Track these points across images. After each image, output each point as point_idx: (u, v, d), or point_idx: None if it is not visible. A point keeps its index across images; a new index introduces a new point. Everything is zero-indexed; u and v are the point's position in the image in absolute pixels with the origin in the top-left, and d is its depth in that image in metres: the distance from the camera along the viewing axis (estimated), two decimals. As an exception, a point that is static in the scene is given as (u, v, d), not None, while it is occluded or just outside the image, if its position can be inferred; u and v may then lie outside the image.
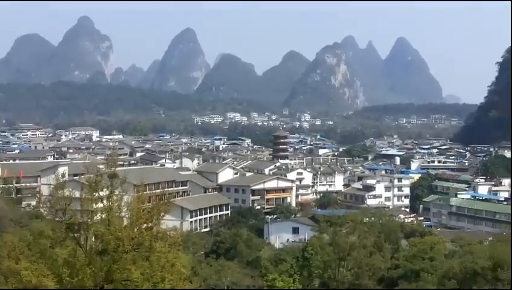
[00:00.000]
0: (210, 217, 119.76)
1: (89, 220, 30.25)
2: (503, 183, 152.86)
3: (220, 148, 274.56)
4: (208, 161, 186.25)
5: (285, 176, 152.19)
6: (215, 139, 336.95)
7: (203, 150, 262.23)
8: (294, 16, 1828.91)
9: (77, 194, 31.38)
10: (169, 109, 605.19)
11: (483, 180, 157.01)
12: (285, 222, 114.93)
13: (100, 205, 30.22)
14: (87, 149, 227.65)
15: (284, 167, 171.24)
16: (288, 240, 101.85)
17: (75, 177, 75.49)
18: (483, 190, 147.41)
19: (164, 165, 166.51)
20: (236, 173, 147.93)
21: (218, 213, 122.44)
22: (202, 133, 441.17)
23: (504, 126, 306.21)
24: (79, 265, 27.96)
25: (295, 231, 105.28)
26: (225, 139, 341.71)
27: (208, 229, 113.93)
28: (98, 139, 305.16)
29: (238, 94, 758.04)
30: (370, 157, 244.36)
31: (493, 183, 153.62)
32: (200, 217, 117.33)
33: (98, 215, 30.47)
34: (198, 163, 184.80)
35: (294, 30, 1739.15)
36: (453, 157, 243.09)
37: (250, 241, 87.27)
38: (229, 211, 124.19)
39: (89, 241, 29.95)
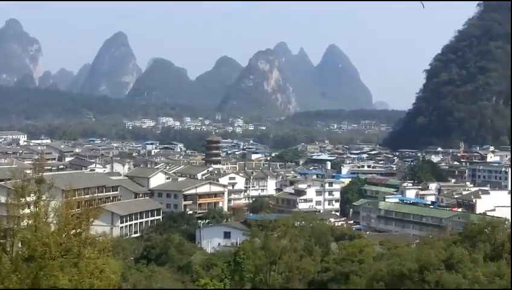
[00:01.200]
0: (141, 223, 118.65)
1: (16, 226, 29.65)
2: (429, 188, 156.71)
3: (152, 153, 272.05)
4: (139, 166, 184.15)
5: (218, 180, 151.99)
6: (147, 144, 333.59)
7: (134, 154, 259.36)
8: (228, 20, 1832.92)
9: (3, 199, 30.75)
10: (100, 113, 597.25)
11: (410, 184, 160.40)
12: (217, 226, 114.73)
13: (27, 210, 29.66)
14: (14, 154, 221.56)
15: (216, 172, 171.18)
16: (219, 244, 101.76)
17: (1, 183, 73.71)
18: (410, 194, 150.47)
19: (94, 170, 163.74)
20: (168, 178, 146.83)
21: (150, 218, 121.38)
22: (133, 138, 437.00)
23: (431, 132, 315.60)
24: (5, 272, 27.37)
25: (227, 235, 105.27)
26: (157, 144, 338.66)
27: (138, 234, 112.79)
28: (25, 143, 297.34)
29: (171, 99, 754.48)
30: (302, 162, 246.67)
31: (420, 187, 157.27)
32: (130, 223, 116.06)
33: (24, 221, 29.89)
34: (129, 168, 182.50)
35: (228, 35, 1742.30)
36: (382, 162, 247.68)
37: (181, 247, 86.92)
38: (160, 216, 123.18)
39: (15, 247, 29.37)
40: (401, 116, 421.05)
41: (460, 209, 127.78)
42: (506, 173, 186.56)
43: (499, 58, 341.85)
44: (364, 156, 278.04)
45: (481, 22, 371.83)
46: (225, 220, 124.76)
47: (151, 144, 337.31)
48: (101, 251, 29.09)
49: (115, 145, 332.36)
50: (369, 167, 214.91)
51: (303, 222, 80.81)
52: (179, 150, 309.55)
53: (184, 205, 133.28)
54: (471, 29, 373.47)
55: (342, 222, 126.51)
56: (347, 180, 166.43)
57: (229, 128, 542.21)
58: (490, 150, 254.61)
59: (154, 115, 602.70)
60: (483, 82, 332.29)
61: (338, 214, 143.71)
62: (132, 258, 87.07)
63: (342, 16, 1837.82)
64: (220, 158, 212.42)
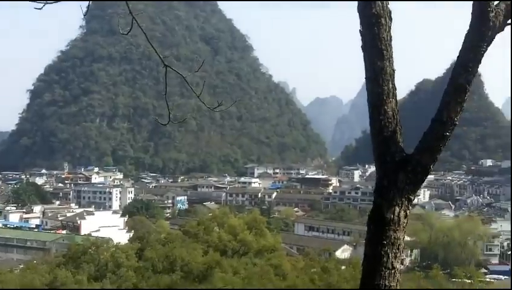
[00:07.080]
0: None
1: None
2: (34, 211, 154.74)
3: None
4: None
5: None
6: None
7: None
8: None
9: None
10: None
11: (14, 208, 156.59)
12: None
13: None
14: None
15: None
16: None
17: None
18: (14, 218, 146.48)
19: None
20: None
21: None
22: None
23: (35, 153, 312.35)
24: None
25: None
26: None
27: None
28: None
29: None
30: None
31: (25, 210, 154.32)
32: None
33: None
34: None
35: None
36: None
37: None
38: None
39: None
40: (5, 137, 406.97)
41: (65, 231, 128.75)
42: (110, 193, 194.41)
43: (101, 80, 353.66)
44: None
45: (84, 43, 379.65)
46: None
47: None
48: None
49: None
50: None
51: None
52: None
53: None
54: (75, 51, 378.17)
55: None
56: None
57: None
58: (95, 171, 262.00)
59: None
60: (87, 104, 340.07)
61: None
62: None
63: None
64: None
